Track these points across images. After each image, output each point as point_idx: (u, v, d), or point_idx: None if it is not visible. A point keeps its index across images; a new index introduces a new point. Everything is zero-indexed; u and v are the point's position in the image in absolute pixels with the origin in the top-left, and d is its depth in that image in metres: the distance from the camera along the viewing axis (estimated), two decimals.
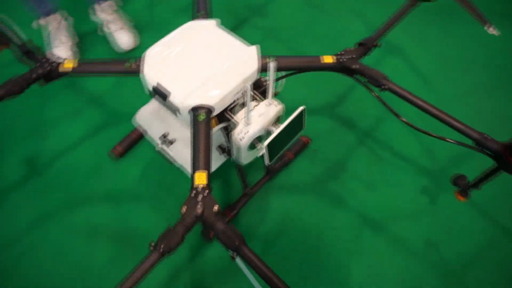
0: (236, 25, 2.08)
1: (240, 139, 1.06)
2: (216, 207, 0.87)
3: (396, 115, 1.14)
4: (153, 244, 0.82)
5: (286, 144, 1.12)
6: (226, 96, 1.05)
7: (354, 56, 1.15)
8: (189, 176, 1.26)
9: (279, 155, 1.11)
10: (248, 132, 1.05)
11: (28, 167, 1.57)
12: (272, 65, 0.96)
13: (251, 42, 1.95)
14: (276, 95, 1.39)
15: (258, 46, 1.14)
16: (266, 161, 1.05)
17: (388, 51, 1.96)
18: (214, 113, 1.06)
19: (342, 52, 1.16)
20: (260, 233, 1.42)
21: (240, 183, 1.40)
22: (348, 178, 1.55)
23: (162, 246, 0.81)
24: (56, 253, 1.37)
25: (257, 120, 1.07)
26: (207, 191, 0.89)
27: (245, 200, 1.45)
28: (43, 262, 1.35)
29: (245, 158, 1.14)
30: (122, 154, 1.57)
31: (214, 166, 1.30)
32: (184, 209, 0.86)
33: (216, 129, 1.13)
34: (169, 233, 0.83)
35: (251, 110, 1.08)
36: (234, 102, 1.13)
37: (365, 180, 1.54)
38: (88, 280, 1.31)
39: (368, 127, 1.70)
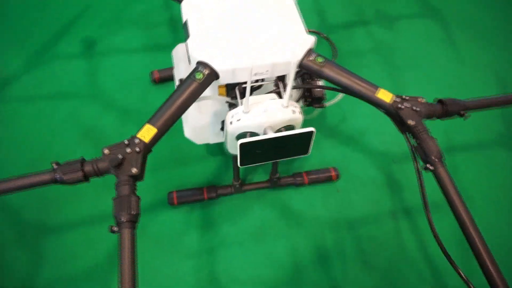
0: (350, 22, 1.82)
1: (230, 123, 0.89)
2: (134, 171, 0.73)
3: (428, 217, 0.83)
4: (55, 166, 0.73)
5: (274, 159, 0.91)
6: (238, 70, 0.87)
7: (419, 109, 0.86)
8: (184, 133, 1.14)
9: (258, 164, 0.91)
10: (239, 120, 0.87)
11: (86, 48, 1.63)
12: (293, 61, 0.75)
13: (353, 46, 1.68)
14: (316, 107, 1.17)
15: (314, 39, 0.92)
16: (238, 162, 0.87)
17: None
18: (221, 82, 0.91)
19: (407, 98, 0.88)
20: (223, 231, 1.25)
21: (233, 173, 1.24)
22: (350, 243, 1.26)
23: (60, 173, 0.72)
24: (52, 132, 1.42)
25: (258, 113, 0.88)
26: (141, 149, 0.76)
27: (228, 191, 1.29)
28: (42, 132, 1.41)
29: (231, 146, 0.97)
30: (158, 80, 1.52)
31: (210, 140, 1.17)
32: (106, 151, 0.75)
33: (219, 99, 0.98)
34: (75, 165, 0.73)
35: (259, 102, 0.90)
36: (256, 82, 0.96)
37: (366, 257, 1.24)
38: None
39: (414, 206, 1.35)
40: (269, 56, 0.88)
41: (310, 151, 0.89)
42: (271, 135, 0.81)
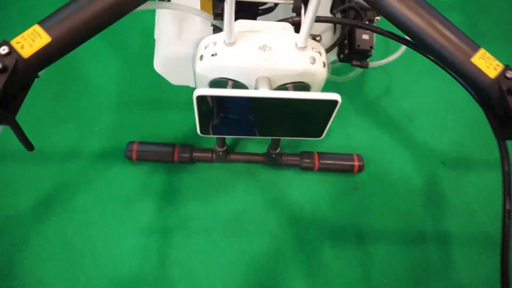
0: None
1: (200, 57, 0.52)
2: None
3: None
4: None
5: (261, 135, 0.54)
6: None
7: None
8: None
9: (230, 135, 0.56)
10: (215, 54, 0.50)
11: None
12: None
13: None
14: (355, 64, 0.78)
15: None
16: (198, 127, 0.50)
17: None
18: None
19: None
20: (189, 210, 0.93)
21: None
22: (353, 261, 0.92)
23: None
24: None
25: (250, 50, 0.50)
26: (8, 66, 0.41)
27: (207, 156, 0.94)
28: None
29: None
30: None
31: (190, 82, 0.80)
32: None
33: (203, 16, 0.60)
34: None
35: (260, 31, 0.52)
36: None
37: (372, 284, 0.90)
38: None
39: (459, 234, 0.97)
40: None
41: (325, 133, 0.52)
42: (258, 93, 0.43)
